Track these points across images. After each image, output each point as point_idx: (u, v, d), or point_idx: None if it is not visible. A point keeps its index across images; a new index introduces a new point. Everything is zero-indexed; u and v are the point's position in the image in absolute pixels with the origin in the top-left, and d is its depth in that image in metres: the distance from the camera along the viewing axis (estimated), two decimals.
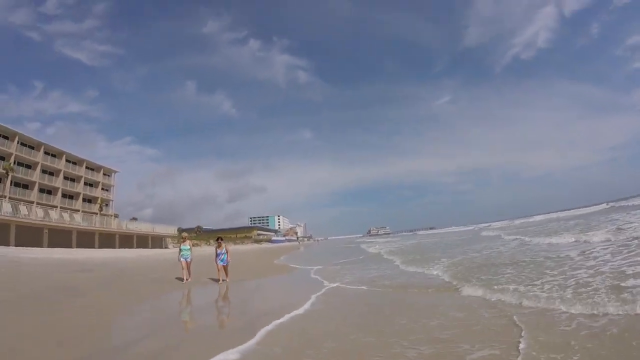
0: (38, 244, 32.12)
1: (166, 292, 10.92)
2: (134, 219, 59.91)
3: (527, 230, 27.36)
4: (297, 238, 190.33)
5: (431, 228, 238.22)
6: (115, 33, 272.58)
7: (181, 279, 13.00)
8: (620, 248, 9.87)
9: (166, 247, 55.87)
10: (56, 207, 48.39)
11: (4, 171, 42.52)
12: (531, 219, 77.87)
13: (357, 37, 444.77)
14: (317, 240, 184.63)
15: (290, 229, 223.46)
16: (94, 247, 38.19)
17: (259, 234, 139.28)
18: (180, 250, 13.44)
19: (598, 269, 7.85)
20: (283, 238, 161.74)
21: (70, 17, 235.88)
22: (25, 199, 45.39)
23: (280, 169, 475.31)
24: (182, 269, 13.08)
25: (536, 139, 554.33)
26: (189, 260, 13.26)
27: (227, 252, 13.11)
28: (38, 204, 43.95)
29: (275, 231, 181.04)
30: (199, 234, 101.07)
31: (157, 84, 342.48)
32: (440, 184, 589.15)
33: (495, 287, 7.65)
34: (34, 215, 33.71)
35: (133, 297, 9.73)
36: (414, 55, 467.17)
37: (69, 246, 35.15)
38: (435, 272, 11.36)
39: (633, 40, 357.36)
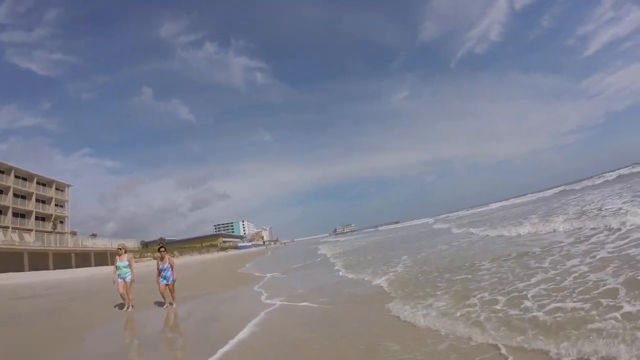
0: None
1: (112, 319, 9.93)
2: (94, 235, 58.21)
3: (479, 220, 28.52)
4: (264, 242, 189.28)
5: (395, 222, 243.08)
6: (67, 41, 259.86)
7: (123, 305, 10.67)
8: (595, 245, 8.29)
9: None
10: (7, 227, 46.32)
11: None
12: (489, 207, 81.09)
13: (314, 37, 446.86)
14: (284, 243, 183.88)
15: (256, 233, 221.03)
16: (48, 269, 36.79)
17: (224, 241, 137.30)
18: (115, 267, 10.67)
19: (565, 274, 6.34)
20: (249, 243, 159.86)
21: (20, 26, 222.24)
22: None
23: (241, 173, 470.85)
24: (121, 292, 10.50)
25: (494, 129, 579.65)
26: (128, 280, 10.57)
27: (171, 266, 10.58)
28: None
29: (241, 237, 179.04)
30: (162, 246, 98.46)
31: (113, 92, 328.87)
32: (404, 177, 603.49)
33: (425, 303, 6.43)
34: None
35: (77, 326, 9.48)
36: (372, 52, 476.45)
37: (21, 269, 33.71)
38: (366, 278, 11.50)
39: (583, 29, 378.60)
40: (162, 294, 10.64)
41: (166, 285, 10.55)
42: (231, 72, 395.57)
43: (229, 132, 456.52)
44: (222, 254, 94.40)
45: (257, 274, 20.66)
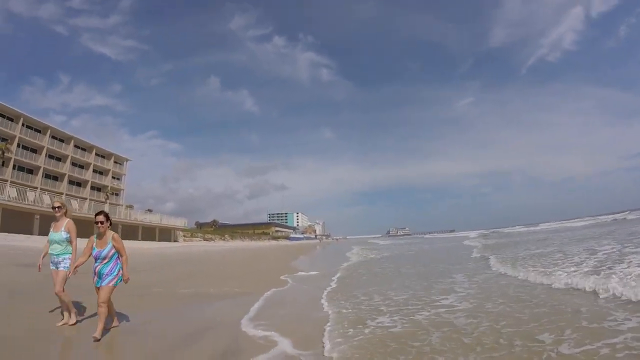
0: (27, 230, 28.92)
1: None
2: (149, 210, 56.67)
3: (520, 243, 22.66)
4: (316, 236, 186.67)
5: (451, 231, 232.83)
6: (140, 29, 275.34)
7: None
8: None
9: (176, 240, 52.51)
10: (62, 193, 45.77)
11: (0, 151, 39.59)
12: (538, 227, 72.60)
13: (380, 37, 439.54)
14: (337, 240, 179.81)
15: (309, 226, 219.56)
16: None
17: (277, 231, 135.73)
18: (48, 242, 5.63)
19: None
20: (301, 235, 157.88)
21: (96, 12, 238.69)
22: (29, 184, 42.76)
23: (300, 167, 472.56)
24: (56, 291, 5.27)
25: (559, 143, 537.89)
26: (62, 268, 5.36)
27: (118, 252, 5.30)
28: (42, 189, 41.14)
29: (294, 228, 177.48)
30: (215, 228, 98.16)
31: (181, 80, 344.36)
32: (461, 187, 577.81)
33: None
34: (25, 199, 30.45)
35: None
36: (437, 57, 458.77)
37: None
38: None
39: None
40: (99, 306, 4.98)
41: (100, 288, 5.07)
42: (298, 66, 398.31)
43: (292, 126, 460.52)
44: (273, 242, 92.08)
45: (302, 272, 15.82)
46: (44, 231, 24.97)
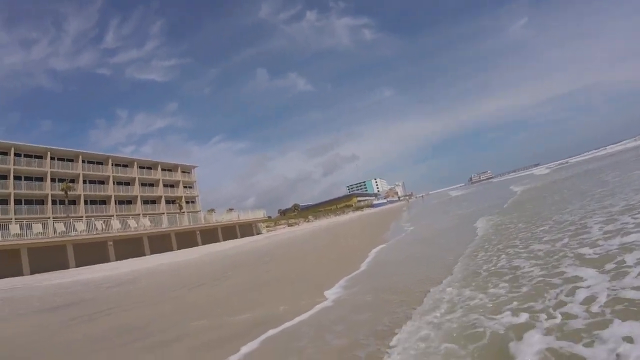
0: (101, 259, 27.65)
1: None
2: (230, 209, 55.25)
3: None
4: (399, 198, 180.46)
5: (536, 165, 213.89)
6: (176, 46, 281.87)
7: None
8: None
9: (259, 233, 50.61)
10: (138, 214, 45.59)
11: (63, 191, 39.61)
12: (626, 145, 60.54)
13: None
14: (422, 197, 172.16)
15: (390, 189, 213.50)
16: (171, 250, 33.32)
17: (359, 201, 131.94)
18: None
19: None
20: (384, 200, 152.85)
21: (130, 45, 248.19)
22: (103, 214, 42.88)
23: (366, 133, 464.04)
24: None
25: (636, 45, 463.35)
26: None
27: None
28: (119, 216, 40.98)
29: (375, 195, 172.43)
30: (297, 211, 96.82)
31: (229, 81, 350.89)
32: (535, 117, 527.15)
33: None
34: (91, 229, 29.18)
35: None
36: None
37: (140, 254, 30.42)
38: None
39: None
40: None
41: None
42: (337, 35, 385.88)
43: (349, 95, 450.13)
44: (357, 213, 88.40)
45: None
46: (120, 255, 23.07)
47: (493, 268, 5.47)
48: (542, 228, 7.55)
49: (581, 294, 3.57)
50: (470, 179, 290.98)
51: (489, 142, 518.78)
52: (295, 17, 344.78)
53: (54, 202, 40.96)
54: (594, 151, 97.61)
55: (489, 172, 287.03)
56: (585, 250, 4.98)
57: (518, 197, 19.05)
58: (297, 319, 4.81)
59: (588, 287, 3.71)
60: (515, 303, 3.78)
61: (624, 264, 4.02)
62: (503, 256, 6.05)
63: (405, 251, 10.15)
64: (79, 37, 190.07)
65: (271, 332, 4.44)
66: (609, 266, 4.10)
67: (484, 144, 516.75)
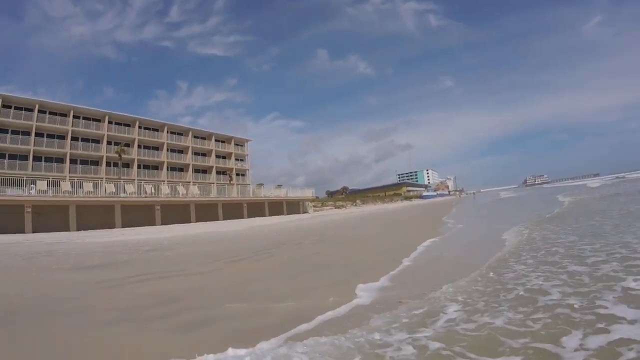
0: (147, 222, 27.49)
1: None
2: (279, 186, 54.76)
3: None
4: (449, 192, 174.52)
5: (596, 175, 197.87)
6: (239, 23, 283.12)
7: None
8: None
9: (305, 212, 49.60)
10: (188, 182, 45.94)
11: (117, 154, 40.34)
12: None
13: None
14: (473, 194, 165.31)
15: (441, 183, 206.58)
16: (217, 220, 32.87)
17: (408, 190, 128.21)
18: None
19: None
20: (434, 193, 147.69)
21: (194, 20, 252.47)
22: (155, 179, 43.47)
23: (423, 122, 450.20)
24: None
25: None
26: None
27: None
28: (170, 182, 41.35)
29: (425, 186, 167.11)
30: (345, 194, 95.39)
31: (290, 60, 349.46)
32: (602, 124, 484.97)
33: None
34: (140, 192, 29.07)
35: None
36: None
37: (186, 221, 30.07)
38: None
39: None
40: None
41: None
42: (402, 19, 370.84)
43: (409, 82, 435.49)
44: (406, 203, 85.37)
45: None
46: (166, 220, 22.64)
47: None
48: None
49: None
50: (525, 181, 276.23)
51: (550, 145, 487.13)
52: None
53: (108, 164, 42.01)
54: None
55: (545, 176, 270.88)
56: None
57: (564, 208, 16.45)
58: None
59: None
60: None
61: None
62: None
63: (449, 250, 8.34)
64: (143, 11, 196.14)
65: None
66: None
67: (545, 146, 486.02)
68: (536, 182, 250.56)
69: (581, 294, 3.71)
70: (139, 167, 44.68)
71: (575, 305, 3.40)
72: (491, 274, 4.88)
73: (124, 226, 25.65)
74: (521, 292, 3.94)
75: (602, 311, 3.21)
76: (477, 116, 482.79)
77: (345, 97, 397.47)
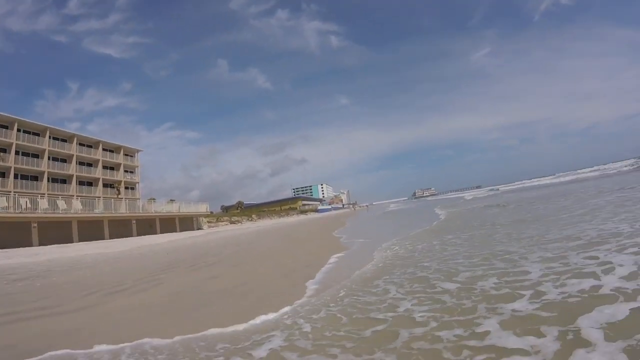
0: (22, 243, 25.58)
1: None
2: (172, 200, 53.15)
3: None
4: (343, 205, 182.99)
5: (477, 187, 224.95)
6: (140, 23, 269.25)
7: None
8: None
9: (200, 228, 49.21)
10: (72, 196, 42.71)
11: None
12: (558, 179, 66.71)
13: None
14: (366, 206, 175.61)
15: (335, 196, 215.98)
16: (103, 239, 31.53)
17: (304, 204, 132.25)
18: None
19: None
20: (329, 206, 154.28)
21: (93, 15, 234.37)
22: (33, 191, 39.76)
23: (319, 138, 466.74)
24: None
25: (583, 89, 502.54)
26: None
27: None
28: (50, 195, 38.08)
29: (320, 200, 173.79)
30: (241, 209, 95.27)
31: (189, 68, 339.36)
32: (484, 141, 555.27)
33: None
34: (15, 206, 26.95)
35: None
36: (449, 8, 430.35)
37: (68, 240, 28.49)
38: None
39: None
40: None
41: None
42: (305, 37, 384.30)
43: (307, 98, 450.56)
44: (302, 217, 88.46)
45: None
46: (45, 240, 21.13)
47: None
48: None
49: None
50: (414, 193, 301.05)
51: (438, 160, 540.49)
52: (267, 12, 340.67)
53: None
54: (526, 181, 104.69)
55: (432, 189, 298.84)
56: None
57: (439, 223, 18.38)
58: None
59: None
60: None
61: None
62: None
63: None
64: None
65: None
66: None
67: (433, 161, 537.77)
68: (424, 195, 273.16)
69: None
70: (16, 177, 40.40)
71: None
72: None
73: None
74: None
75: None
76: (370, 133, 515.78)
77: (243, 110, 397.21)
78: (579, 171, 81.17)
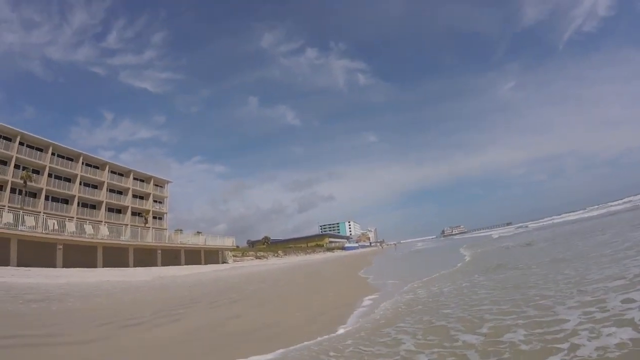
0: (46, 263, 24.71)
1: None
2: (199, 232, 52.32)
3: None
4: (370, 243, 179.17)
5: (508, 224, 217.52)
6: (174, 60, 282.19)
7: None
8: None
9: (225, 262, 47.77)
10: (101, 221, 42.47)
11: (22, 180, 36.55)
12: (595, 212, 62.31)
13: (411, 34, 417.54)
14: (395, 245, 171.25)
15: (363, 234, 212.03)
16: (127, 266, 30.48)
17: (330, 242, 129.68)
18: None
19: None
20: (356, 244, 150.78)
21: (130, 50, 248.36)
22: (63, 214, 39.65)
23: (346, 175, 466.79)
24: None
25: (611, 116, 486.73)
26: None
27: None
28: (79, 219, 37.80)
29: (347, 237, 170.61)
30: (267, 244, 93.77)
31: (220, 104, 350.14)
32: (511, 177, 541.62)
33: None
34: (43, 227, 26.34)
35: None
36: (472, 45, 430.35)
37: (92, 265, 27.51)
38: None
39: None
40: None
41: None
42: (333, 75, 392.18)
43: (334, 135, 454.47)
44: (329, 254, 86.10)
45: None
46: (69, 262, 20.19)
47: None
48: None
49: None
50: (443, 231, 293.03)
51: (467, 197, 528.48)
52: (296, 51, 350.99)
53: (12, 191, 37.75)
54: (556, 216, 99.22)
55: (461, 226, 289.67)
56: None
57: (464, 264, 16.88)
58: None
59: None
60: None
61: None
62: None
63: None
64: (80, 30, 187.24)
65: None
66: None
67: (463, 198, 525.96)
68: (453, 233, 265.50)
69: None
70: (47, 198, 40.64)
71: None
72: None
73: (19, 265, 22.77)
74: None
75: None
76: (398, 170, 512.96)
77: (271, 146, 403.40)
78: (610, 204, 76.12)
